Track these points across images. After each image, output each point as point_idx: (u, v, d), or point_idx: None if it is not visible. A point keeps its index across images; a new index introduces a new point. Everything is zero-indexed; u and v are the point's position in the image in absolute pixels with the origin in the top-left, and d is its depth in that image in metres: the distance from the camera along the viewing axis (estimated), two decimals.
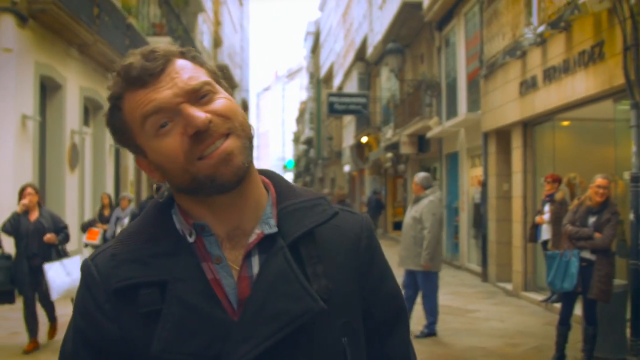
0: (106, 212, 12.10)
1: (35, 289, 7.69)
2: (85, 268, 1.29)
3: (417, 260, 8.45)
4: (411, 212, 8.65)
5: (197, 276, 1.23)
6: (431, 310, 8.69)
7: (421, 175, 8.91)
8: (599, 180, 7.04)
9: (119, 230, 11.42)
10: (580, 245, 7.00)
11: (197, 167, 1.21)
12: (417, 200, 8.67)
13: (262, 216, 1.31)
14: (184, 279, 1.22)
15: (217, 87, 1.29)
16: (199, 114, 1.20)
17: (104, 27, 14.14)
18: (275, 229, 1.29)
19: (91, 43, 13.70)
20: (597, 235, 6.91)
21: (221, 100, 1.26)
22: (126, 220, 11.56)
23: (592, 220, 7.05)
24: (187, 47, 1.35)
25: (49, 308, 7.99)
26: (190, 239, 1.28)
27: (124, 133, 1.29)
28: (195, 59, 1.31)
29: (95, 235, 11.61)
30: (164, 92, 1.22)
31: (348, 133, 37.43)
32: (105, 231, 11.65)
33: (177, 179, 1.25)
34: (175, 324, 1.20)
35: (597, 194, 7.01)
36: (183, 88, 1.22)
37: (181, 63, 1.27)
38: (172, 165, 1.23)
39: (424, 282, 8.53)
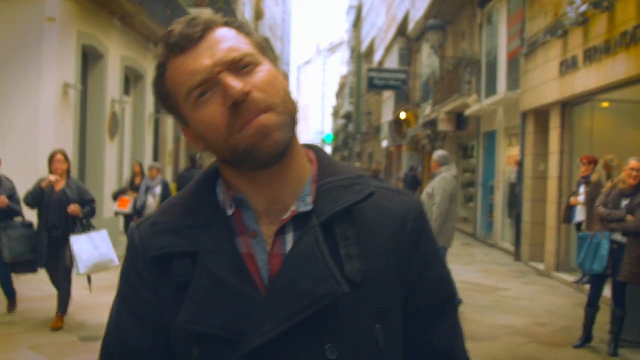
0: (137, 181, 12.13)
1: (55, 263, 7.38)
2: (130, 234, 1.33)
3: None
4: (427, 189, 8.83)
5: (229, 249, 1.23)
6: None
7: (439, 152, 9.10)
8: (633, 162, 6.99)
9: (150, 199, 11.55)
10: (611, 227, 6.97)
11: (236, 139, 1.19)
12: (432, 176, 8.93)
13: (301, 193, 1.28)
14: (215, 251, 1.22)
15: (261, 58, 1.25)
16: (236, 83, 1.18)
17: None
18: (310, 207, 1.26)
19: (133, 13, 13.86)
20: (629, 217, 6.88)
21: (262, 73, 1.22)
22: (157, 190, 11.66)
23: (624, 202, 7.01)
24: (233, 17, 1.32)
25: (63, 291, 7.42)
26: (229, 212, 1.28)
27: (167, 100, 1.28)
28: (240, 29, 1.28)
29: (126, 204, 11.68)
30: (203, 62, 1.20)
31: (387, 108, 37.31)
32: (135, 199, 11.73)
33: (218, 149, 1.24)
34: (202, 295, 1.20)
35: (631, 177, 6.97)
36: (222, 58, 1.20)
37: (222, 32, 1.24)
38: (214, 136, 1.22)
39: None
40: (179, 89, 1.22)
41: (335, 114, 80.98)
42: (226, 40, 1.22)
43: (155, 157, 18.38)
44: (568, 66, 11.11)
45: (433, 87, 23.80)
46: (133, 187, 12.10)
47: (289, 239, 1.25)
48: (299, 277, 1.19)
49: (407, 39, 32.03)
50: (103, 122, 13.60)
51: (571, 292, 10.65)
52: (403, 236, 1.30)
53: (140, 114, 16.72)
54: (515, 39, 14.97)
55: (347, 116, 62.44)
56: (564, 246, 12.00)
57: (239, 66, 1.20)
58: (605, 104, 11.63)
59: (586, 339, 7.31)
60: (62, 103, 11.48)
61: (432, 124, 23.47)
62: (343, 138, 68.26)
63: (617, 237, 6.96)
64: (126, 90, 15.84)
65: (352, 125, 59.26)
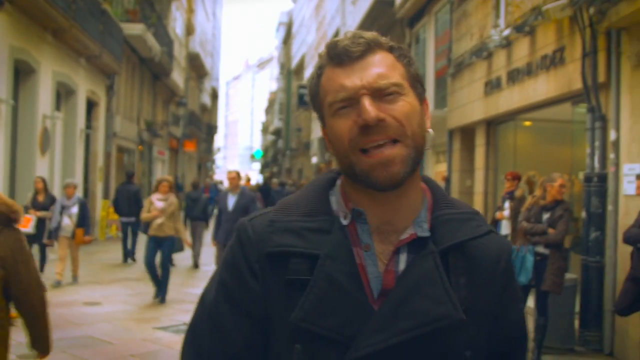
0: (40, 198, 11.30)
1: None
2: (241, 227, 1.38)
3: None
4: None
5: (347, 257, 1.29)
6: None
7: None
8: (561, 180, 7.43)
9: (66, 220, 10.86)
10: (535, 240, 7.37)
11: (357, 158, 1.28)
12: None
13: (417, 219, 1.35)
14: (335, 257, 1.28)
15: (409, 90, 1.33)
16: (372, 109, 1.26)
17: (79, 13, 14.25)
18: (428, 233, 1.33)
19: (66, 28, 13.81)
20: (550, 230, 7.30)
21: (402, 104, 1.30)
22: (74, 210, 10.98)
23: (545, 216, 7.43)
24: (401, 44, 1.41)
25: None
26: (345, 222, 1.34)
27: (315, 100, 1.38)
28: (400, 57, 1.36)
29: (28, 223, 10.39)
30: (353, 80, 1.29)
31: (317, 125, 37.66)
32: (39, 219, 10.87)
33: (340, 160, 1.33)
34: (319, 297, 1.26)
35: (559, 193, 7.39)
36: (370, 83, 1.28)
37: (381, 57, 1.33)
38: (339, 146, 1.31)
39: None
40: (326, 95, 1.33)
41: (265, 130, 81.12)
42: (381, 66, 1.31)
43: (86, 172, 18.21)
44: (493, 86, 11.63)
45: None
46: (36, 204, 11.17)
47: (403, 259, 1.32)
48: (415, 297, 1.26)
49: None
50: (34, 138, 13.47)
51: None
52: (497, 274, 1.39)
53: (72, 129, 16.58)
54: (443, 59, 15.50)
55: (277, 132, 62.68)
56: None
57: (384, 93, 1.29)
58: (527, 123, 12.20)
59: None
60: None
61: None
62: (272, 154, 68.44)
63: (540, 249, 7.36)
64: (57, 106, 15.69)
65: (282, 142, 59.51)
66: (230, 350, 1.32)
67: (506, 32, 10.83)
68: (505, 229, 10.76)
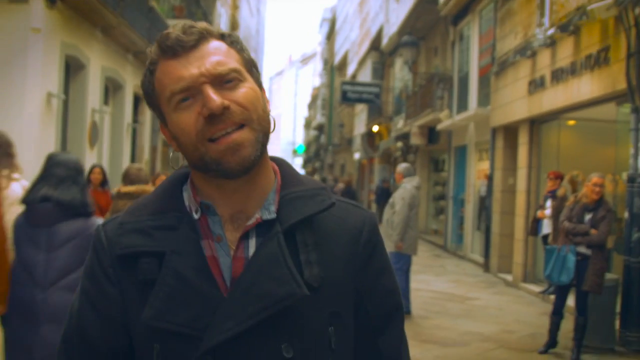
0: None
1: None
2: (96, 232, 1.39)
3: (389, 242, 9.07)
4: (390, 200, 9.57)
5: (194, 251, 1.29)
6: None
7: (403, 165, 9.74)
8: (595, 179, 7.42)
9: None
10: (577, 240, 7.39)
11: (206, 148, 1.26)
12: (397, 188, 9.59)
13: (265, 202, 1.35)
14: (181, 253, 1.28)
15: (247, 75, 1.32)
16: (216, 97, 1.24)
17: (127, 10, 14.56)
18: (273, 215, 1.33)
19: (115, 25, 14.11)
20: (593, 231, 7.31)
21: (244, 90, 1.29)
22: None
23: (588, 217, 7.44)
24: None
25: None
26: (196, 216, 1.34)
27: (152, 97, 1.35)
28: (233, 44, 1.34)
29: None
30: (191, 70, 1.26)
31: (359, 121, 37.77)
32: None
33: (188, 154, 1.30)
34: (167, 294, 1.26)
35: (594, 192, 7.40)
36: (209, 70, 1.26)
37: (216, 45, 1.31)
38: (185, 140, 1.28)
39: (394, 262, 9.02)
40: (163, 90, 1.30)
41: (307, 125, 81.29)
42: (217, 54, 1.29)
43: None
44: (536, 85, 11.60)
45: (406, 101, 24.26)
46: None
47: (252, 244, 1.32)
48: (261, 280, 1.26)
49: (380, 53, 32.49)
50: (84, 132, 13.82)
51: (537, 301, 11.09)
52: (358, 246, 1.39)
53: (119, 123, 16.93)
54: (487, 57, 15.47)
55: (320, 128, 62.79)
56: (531, 258, 12.46)
57: (224, 80, 1.27)
58: (571, 122, 12.14)
59: (551, 344, 7.72)
60: (46, 113, 11.70)
61: (404, 137, 23.93)
62: (315, 149, 68.59)
63: (582, 249, 7.37)
64: (106, 100, 16.05)
65: (324, 137, 59.61)
66: (97, 357, 1.33)
67: (550, 31, 10.80)
68: (546, 227, 10.77)
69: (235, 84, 1.28)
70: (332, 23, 60.02)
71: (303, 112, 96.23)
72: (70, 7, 12.38)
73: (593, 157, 11.52)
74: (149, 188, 5.14)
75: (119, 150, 16.90)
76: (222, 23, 34.78)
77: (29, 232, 3.70)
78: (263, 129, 1.30)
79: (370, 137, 33.76)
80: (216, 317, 1.24)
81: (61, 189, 3.71)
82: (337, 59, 52.59)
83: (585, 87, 9.62)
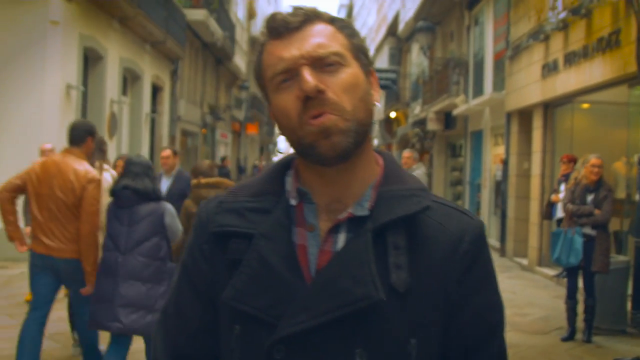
0: None
1: None
2: (199, 209, 1.41)
3: None
4: None
5: (284, 237, 1.27)
6: None
7: (410, 150, 9.74)
8: (594, 160, 7.47)
9: None
10: (582, 222, 7.45)
11: (304, 132, 1.24)
12: None
13: (361, 197, 1.30)
14: (270, 237, 1.27)
15: (352, 60, 1.28)
16: (311, 79, 1.21)
17: (143, 1, 14.74)
18: (366, 212, 1.28)
19: (132, 16, 14.32)
20: (597, 212, 7.38)
21: (345, 75, 1.25)
22: None
23: (590, 198, 7.50)
24: (344, 18, 1.36)
25: None
26: (293, 202, 1.32)
27: (260, 78, 1.34)
28: (343, 28, 1.31)
29: None
30: (292, 51, 1.24)
31: (378, 108, 37.70)
32: None
33: (288, 136, 1.29)
34: (250, 276, 1.25)
35: (592, 173, 7.44)
36: (309, 52, 1.24)
37: (321, 27, 1.28)
38: (285, 122, 1.27)
39: None
40: (267, 70, 1.29)
41: None
42: (320, 36, 1.26)
43: (152, 155, 18.82)
44: (550, 69, 11.63)
45: (422, 87, 24.29)
46: None
47: (341, 238, 1.28)
48: (341, 277, 1.22)
49: (397, 39, 32.44)
50: (103, 122, 14.04)
51: (551, 285, 11.17)
52: (456, 256, 1.28)
53: (137, 113, 17.16)
54: (502, 41, 15.48)
55: None
56: (546, 242, 12.50)
57: (324, 63, 1.24)
58: (585, 105, 12.16)
59: (572, 332, 7.66)
60: (65, 104, 11.93)
61: (421, 123, 23.97)
62: None
63: (587, 230, 7.44)
64: (124, 91, 16.27)
65: None
66: (188, 330, 1.37)
67: (563, 14, 10.82)
68: (560, 211, 10.80)
69: (337, 68, 1.25)
70: (350, 9, 59.92)
71: None
72: None
73: (606, 140, 11.53)
74: (228, 181, 6.24)
75: (137, 140, 17.12)
76: (239, 11, 34.88)
77: (116, 212, 4.90)
78: (358, 119, 1.25)
79: (387, 124, 33.78)
80: (291, 307, 1.22)
81: (137, 181, 4.88)
82: None
83: (597, 70, 9.65)
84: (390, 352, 1.22)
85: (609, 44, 9.26)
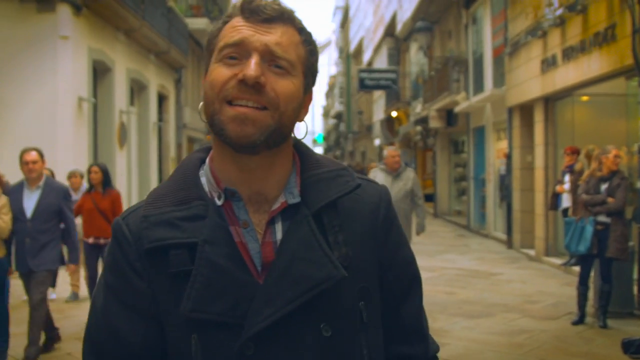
0: None
1: None
2: (117, 227, 1.33)
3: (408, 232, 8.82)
4: (399, 185, 8.69)
5: (225, 239, 1.27)
6: None
7: (395, 148, 9.15)
8: (615, 150, 7.78)
9: None
10: (596, 210, 7.72)
11: (220, 107, 1.24)
12: (397, 174, 8.79)
13: (286, 185, 1.34)
14: (213, 242, 1.26)
15: (299, 75, 1.30)
16: (257, 68, 1.22)
17: (147, 12, 15.06)
18: (298, 199, 1.32)
19: (137, 27, 14.63)
20: (610, 199, 7.66)
21: (288, 83, 1.27)
22: None
23: (604, 187, 7.78)
24: (309, 32, 1.36)
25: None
26: (219, 202, 1.31)
27: (210, 44, 1.32)
28: (306, 42, 1.33)
29: None
30: (254, 34, 1.25)
31: (378, 107, 37.97)
32: None
33: (206, 108, 1.28)
34: (204, 284, 1.23)
35: (614, 163, 7.74)
36: (267, 45, 1.25)
37: (289, 31, 1.30)
38: (210, 93, 1.26)
39: None
40: (220, 40, 1.29)
41: (326, 114, 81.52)
42: (284, 37, 1.27)
43: (160, 162, 19.14)
44: (549, 64, 11.93)
45: (423, 85, 24.52)
46: None
47: (279, 228, 1.31)
48: (296, 264, 1.26)
49: (395, 39, 32.67)
50: (113, 133, 14.34)
51: (559, 273, 11.46)
52: (377, 221, 1.40)
53: (145, 123, 17.46)
54: (500, 37, 15.75)
55: (338, 116, 62.94)
56: (552, 232, 12.82)
57: (275, 63, 1.26)
58: (584, 98, 12.46)
59: (582, 316, 7.95)
60: (78, 116, 12.22)
61: (423, 121, 24.23)
62: (335, 138, 68.78)
63: (602, 218, 7.70)
64: (131, 101, 16.56)
65: (344, 125, 59.79)
66: (129, 352, 1.30)
67: (559, 11, 11.12)
68: (566, 201, 11.09)
69: (283, 73, 1.26)
70: (346, 11, 60.12)
71: (321, 101, 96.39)
72: (94, 12, 12.89)
73: (606, 131, 11.81)
74: None
75: (146, 148, 17.42)
76: None
77: None
78: (282, 123, 1.26)
79: (389, 123, 33.99)
80: (254, 304, 1.23)
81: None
82: (353, 46, 52.73)
83: (595, 63, 9.95)
84: (347, 318, 1.31)
85: (605, 38, 9.56)
